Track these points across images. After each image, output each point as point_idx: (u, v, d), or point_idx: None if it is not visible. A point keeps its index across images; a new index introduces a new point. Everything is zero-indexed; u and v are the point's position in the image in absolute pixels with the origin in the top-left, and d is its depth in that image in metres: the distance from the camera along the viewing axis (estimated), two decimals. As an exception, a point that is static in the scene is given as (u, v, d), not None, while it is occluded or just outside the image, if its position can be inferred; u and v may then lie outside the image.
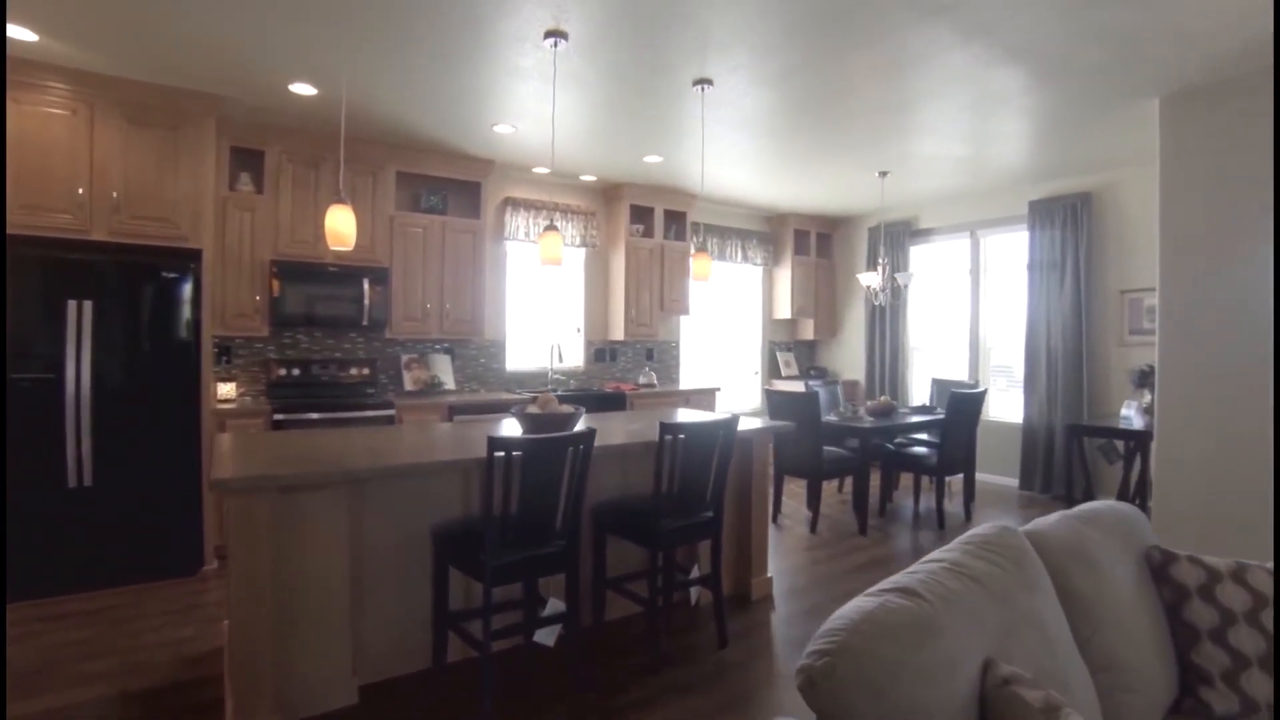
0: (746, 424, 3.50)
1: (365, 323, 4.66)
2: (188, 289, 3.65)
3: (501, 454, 2.21)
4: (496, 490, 2.24)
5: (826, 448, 4.82)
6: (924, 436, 5.56)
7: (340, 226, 2.52)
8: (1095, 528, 1.59)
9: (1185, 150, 3.78)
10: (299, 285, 4.41)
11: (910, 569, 1.28)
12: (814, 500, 4.73)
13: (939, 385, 6.09)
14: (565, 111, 4.11)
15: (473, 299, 5.22)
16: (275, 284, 4.31)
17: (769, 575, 3.58)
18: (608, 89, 3.74)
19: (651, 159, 5.17)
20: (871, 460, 4.77)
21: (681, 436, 2.67)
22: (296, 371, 4.66)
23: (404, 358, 5.21)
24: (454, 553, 2.44)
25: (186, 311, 3.66)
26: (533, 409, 3.07)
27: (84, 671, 2.66)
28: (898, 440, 5.49)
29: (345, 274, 4.58)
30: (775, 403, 4.90)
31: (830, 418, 4.90)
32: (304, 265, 4.44)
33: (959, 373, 6.66)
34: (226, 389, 4.34)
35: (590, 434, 2.38)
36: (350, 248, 2.57)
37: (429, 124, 4.38)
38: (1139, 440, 4.11)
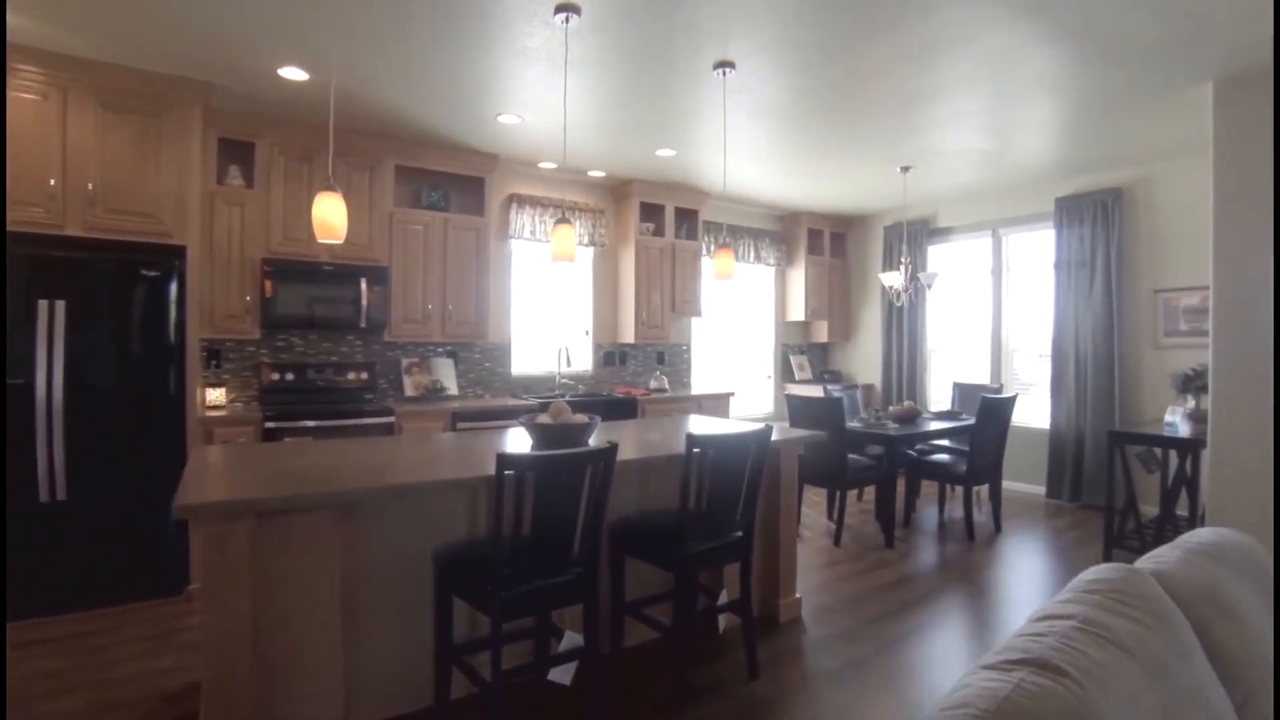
0: (774, 433, 3.25)
1: (363, 325, 4.41)
2: (172, 289, 3.40)
3: (512, 473, 1.95)
4: (506, 513, 1.99)
5: (850, 456, 4.56)
6: (947, 443, 5.31)
7: (329, 216, 2.26)
8: (1223, 565, 1.34)
9: (1242, 138, 3.52)
10: (293, 285, 4.16)
11: (1033, 630, 1.02)
12: (839, 511, 4.47)
13: (961, 389, 5.83)
14: (575, 100, 3.87)
15: (476, 300, 4.97)
16: (267, 284, 4.06)
17: (797, 595, 3.32)
18: (621, 73, 3.50)
19: (664, 153, 4.92)
20: (897, 469, 4.51)
21: (711, 450, 2.42)
22: (290, 376, 4.40)
23: (404, 361, 4.95)
24: (459, 581, 2.18)
25: (170, 312, 3.41)
26: (544, 418, 2.82)
27: (49, 711, 2.40)
28: (919, 447, 5.24)
29: (342, 273, 4.33)
30: (796, 408, 4.64)
31: (854, 424, 4.65)
32: (298, 264, 4.19)
33: (980, 376, 6.40)
34: (216, 395, 4.08)
35: (611, 451, 2.12)
36: (341, 240, 2.31)
37: (429, 114, 4.13)
38: (1189, 449, 3.85)
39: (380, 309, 4.48)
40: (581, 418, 2.84)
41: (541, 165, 5.33)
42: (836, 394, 5.47)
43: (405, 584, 2.34)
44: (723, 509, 2.54)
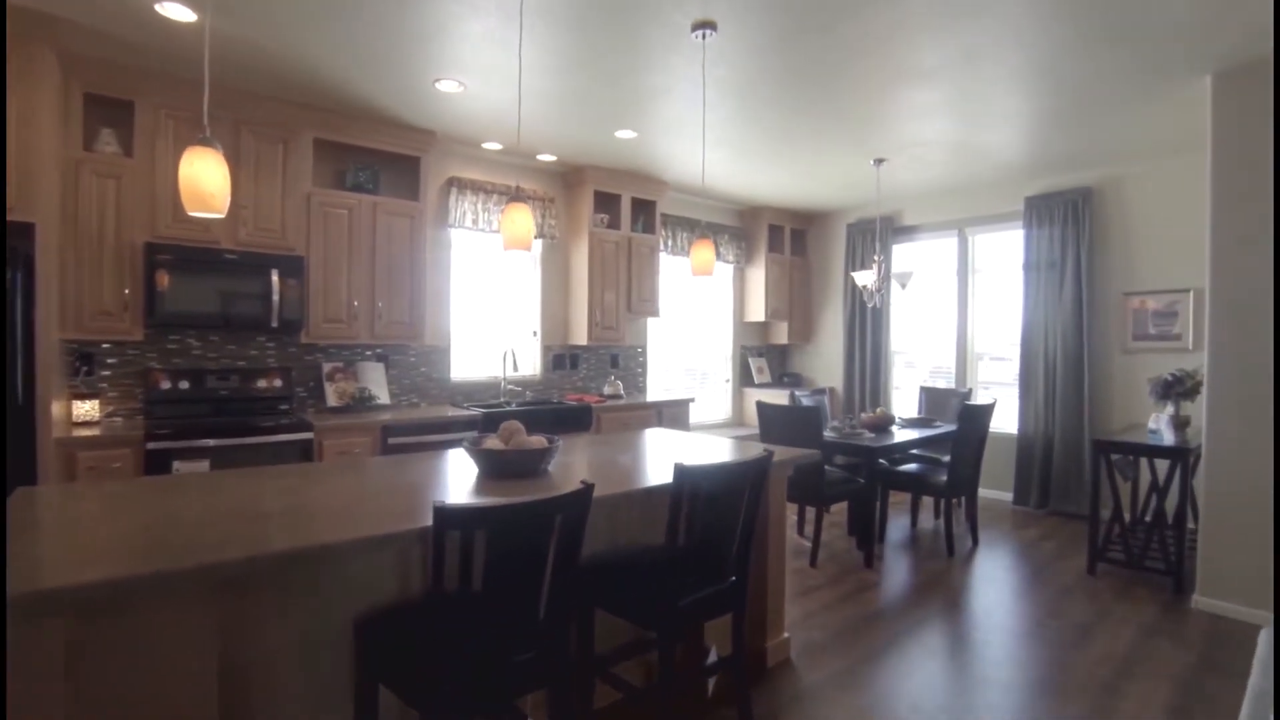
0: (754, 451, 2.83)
1: (274, 324, 3.76)
2: (15, 277, 2.71)
3: (457, 533, 1.45)
4: (448, 580, 1.48)
5: (825, 468, 4.21)
6: (917, 451, 5.04)
7: (203, 180, 1.66)
8: None
9: (1242, 133, 3.32)
10: (187, 276, 3.49)
11: None
12: (815, 530, 4.11)
13: (929, 394, 5.59)
14: (528, 65, 3.35)
15: (411, 297, 4.38)
16: (153, 274, 3.38)
17: (785, 635, 2.92)
18: (586, 31, 3.01)
19: (625, 134, 4.45)
20: (878, 483, 4.18)
21: (704, 483, 1.96)
22: (185, 384, 3.72)
23: (326, 366, 4.32)
24: (386, 665, 1.66)
25: (15, 306, 2.72)
26: (493, 443, 2.32)
27: None
28: (892, 456, 4.95)
29: (248, 263, 3.68)
30: (768, 418, 4.26)
31: (829, 435, 4.30)
32: (192, 251, 3.51)
33: (945, 380, 6.20)
34: (87, 408, 3.38)
35: (585, 495, 1.64)
36: (219, 213, 1.72)
37: (354, 76, 3.53)
38: (1179, 458, 3.66)
39: (296, 305, 3.84)
40: (539, 440, 2.35)
41: (486, 146, 4.77)
42: (806, 400, 5.13)
43: (314, 666, 1.79)
44: (715, 551, 2.09)
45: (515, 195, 2.31)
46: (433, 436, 4.12)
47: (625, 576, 2.15)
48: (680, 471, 1.92)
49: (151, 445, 3.16)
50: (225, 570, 1.35)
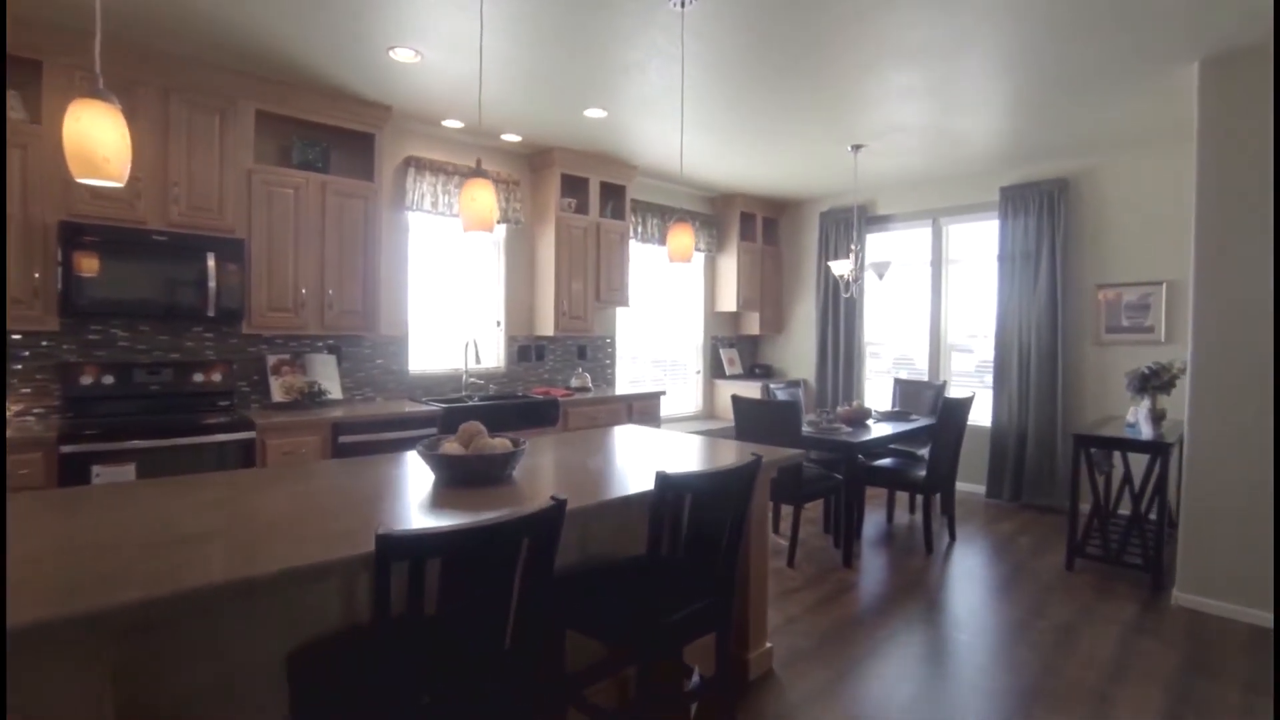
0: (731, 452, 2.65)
1: (212, 313, 3.44)
2: (-99, 259, 2.36)
3: (407, 563, 1.23)
4: (396, 612, 1.26)
5: (803, 464, 4.07)
6: (895, 446, 4.95)
7: (93, 140, 1.34)
8: None
9: (1230, 122, 3.24)
10: (109, 260, 3.15)
11: None
12: (792, 528, 3.97)
13: (903, 386, 5.51)
14: (491, 34, 3.09)
15: (364, 284, 4.08)
16: (70, 257, 3.04)
17: (768, 645, 2.75)
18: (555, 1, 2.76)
19: (594, 113, 4.20)
20: (859, 479, 4.05)
21: (689, 493, 1.77)
22: (110, 379, 3.38)
23: (271, 359, 4.00)
24: (324, 707, 1.43)
25: (-97, 294, 2.38)
26: (450, 446, 2.09)
27: None
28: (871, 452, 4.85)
29: (180, 245, 3.35)
30: (744, 413, 4.09)
31: (807, 430, 4.15)
32: (116, 231, 3.17)
33: (918, 373, 6.13)
34: (-5, 406, 3.03)
35: (555, 514, 1.43)
36: (117, 181, 1.41)
37: (298, 40, 3.22)
38: (1159, 452, 3.60)
39: (235, 293, 3.52)
40: (503, 443, 2.13)
41: (446, 124, 4.48)
42: (780, 393, 4.99)
43: (240, 715, 1.55)
44: (701, 565, 1.90)
45: (476, 171, 2.07)
46: (389, 434, 3.85)
47: (601, 594, 1.95)
48: (663, 481, 1.72)
49: (67, 448, 2.83)
50: (118, 617, 1.10)
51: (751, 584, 2.65)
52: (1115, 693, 2.56)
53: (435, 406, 4.11)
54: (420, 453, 2.06)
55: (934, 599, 3.47)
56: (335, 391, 4.18)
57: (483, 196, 2.02)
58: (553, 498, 1.43)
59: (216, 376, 3.72)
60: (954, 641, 2.98)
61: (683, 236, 2.73)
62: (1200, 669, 2.75)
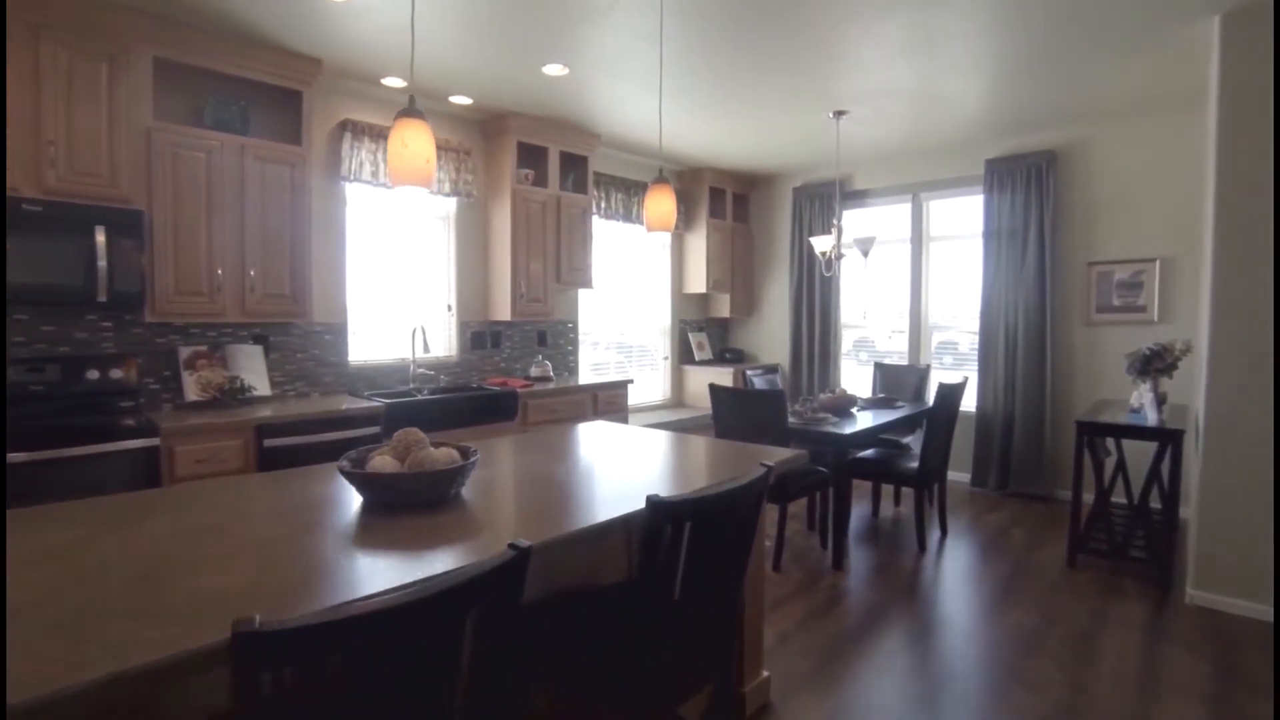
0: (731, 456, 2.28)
1: (103, 298, 2.91)
2: None
3: (290, 664, 0.81)
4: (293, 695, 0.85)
5: (789, 460, 3.73)
6: (882, 436, 4.66)
7: None
8: None
9: (1254, 80, 2.97)
10: (-34, 234, 2.59)
11: None
12: (779, 529, 3.63)
13: (884, 371, 5.22)
14: (431, -36, 2.61)
15: (292, 263, 3.57)
16: (-89, 230, 2.48)
17: (765, 674, 2.40)
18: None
19: (553, 70, 3.74)
20: (849, 475, 3.72)
21: (689, 519, 1.38)
22: (-22, 378, 2.82)
23: (184, 352, 3.47)
24: None
25: None
26: (382, 460, 1.66)
27: None
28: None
29: (58, 217, 2.80)
30: (724, 402, 3.73)
31: (791, 420, 3.81)
32: (-27, 199, 2.62)
33: (898, 356, 5.86)
34: None
35: (517, 566, 1.02)
36: None
37: (199, -28, 2.69)
38: (1168, 441, 3.36)
39: (133, 274, 2.99)
40: (447, 454, 1.71)
41: (386, 82, 3.96)
42: (758, 381, 4.64)
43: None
44: (700, 604, 1.52)
45: (408, 111, 1.62)
46: (324, 436, 3.38)
47: (578, 640, 1.55)
48: (657, 510, 1.32)
49: (-93, 465, 2.30)
50: None
51: (747, 609, 2.29)
52: (1156, 714, 2.28)
53: (378, 402, 3.64)
54: (344, 470, 1.62)
55: (935, 605, 3.17)
56: (262, 387, 3.67)
57: (416, 142, 1.58)
58: (512, 545, 1.02)
59: (117, 373, 3.19)
60: (966, 657, 2.68)
61: (663, 200, 2.32)
62: (1236, 679, 2.50)
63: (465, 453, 1.83)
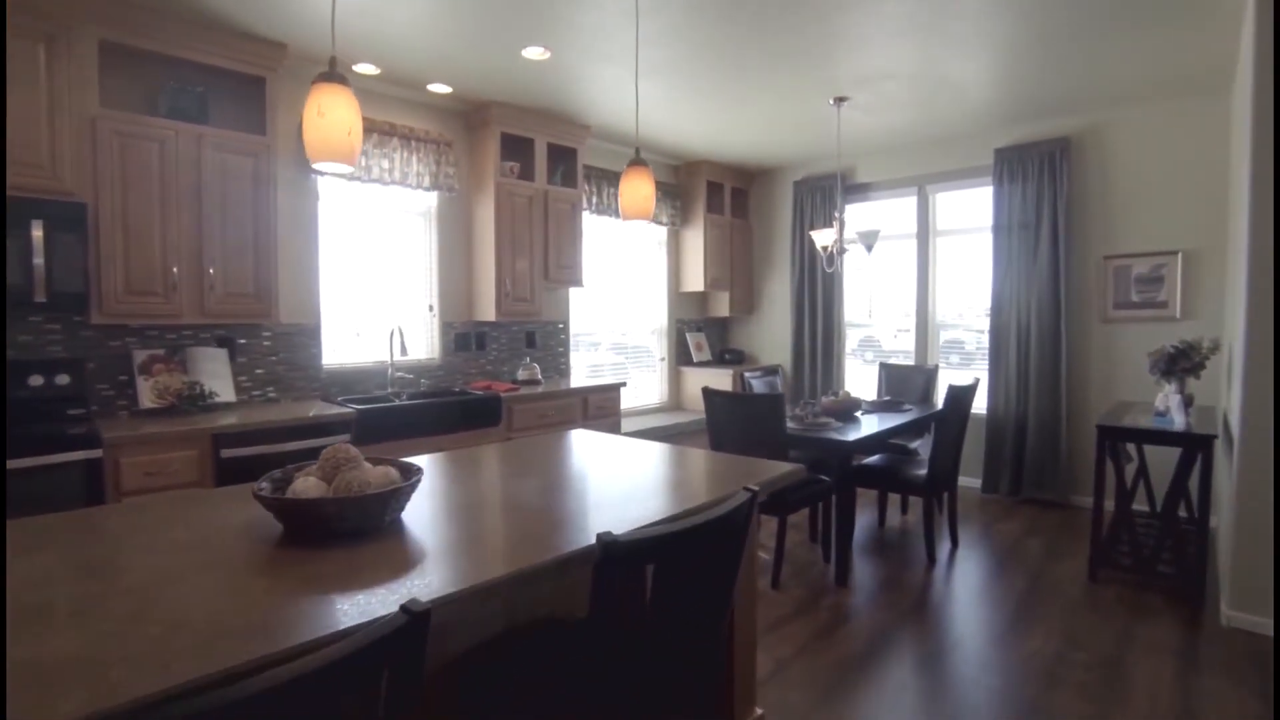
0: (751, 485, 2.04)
1: (42, 298, 2.68)
2: None
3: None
4: None
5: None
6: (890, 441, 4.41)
7: None
8: None
9: (1294, 51, 2.71)
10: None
11: None
12: (778, 543, 3.39)
13: (889, 371, 4.97)
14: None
15: (256, 260, 3.35)
16: None
17: (759, 712, 2.16)
18: None
19: (533, 53, 3.51)
20: (852, 484, 3.47)
21: (652, 558, 1.14)
22: (-95, 385, 2.60)
23: (140, 356, 3.24)
24: None
25: None
26: (304, 482, 1.43)
27: None
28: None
29: (-10, 210, 2.57)
30: (719, 408, 3.49)
31: (791, 425, 3.56)
32: (-109, 191, 2.39)
33: (903, 356, 5.61)
34: None
35: (410, 634, 0.78)
36: None
37: (137, -59, 2.46)
38: (1198, 447, 3.11)
39: (76, 272, 2.76)
40: (383, 474, 1.47)
41: (359, 69, 3.74)
42: (757, 383, 4.40)
43: None
44: (673, 651, 1.28)
45: (328, 75, 1.38)
46: (288, 445, 3.15)
47: (533, 690, 1.31)
48: (609, 551, 1.08)
49: None
50: None
51: (737, 639, 2.04)
52: (1197, 760, 2.03)
53: (349, 408, 3.41)
54: (258, 494, 1.39)
55: (947, 627, 2.92)
56: (226, 393, 3.44)
57: (336, 110, 1.34)
58: (405, 608, 0.78)
59: (63, 379, 2.96)
60: (983, 688, 2.43)
61: (640, 185, 2.07)
62: (1282, 715, 2.24)
63: (407, 471, 1.59)
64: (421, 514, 1.57)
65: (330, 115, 1.34)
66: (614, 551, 1.05)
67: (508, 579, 1.18)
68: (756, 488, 1.31)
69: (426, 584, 1.14)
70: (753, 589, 2.08)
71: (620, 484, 1.84)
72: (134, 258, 2.98)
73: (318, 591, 1.11)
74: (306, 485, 1.44)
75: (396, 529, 1.45)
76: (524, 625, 1.62)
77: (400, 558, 1.27)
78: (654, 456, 2.20)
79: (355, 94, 1.54)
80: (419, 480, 1.52)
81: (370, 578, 1.17)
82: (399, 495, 1.43)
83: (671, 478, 1.92)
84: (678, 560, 1.16)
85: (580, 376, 5.34)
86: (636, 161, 2.12)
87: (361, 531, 1.41)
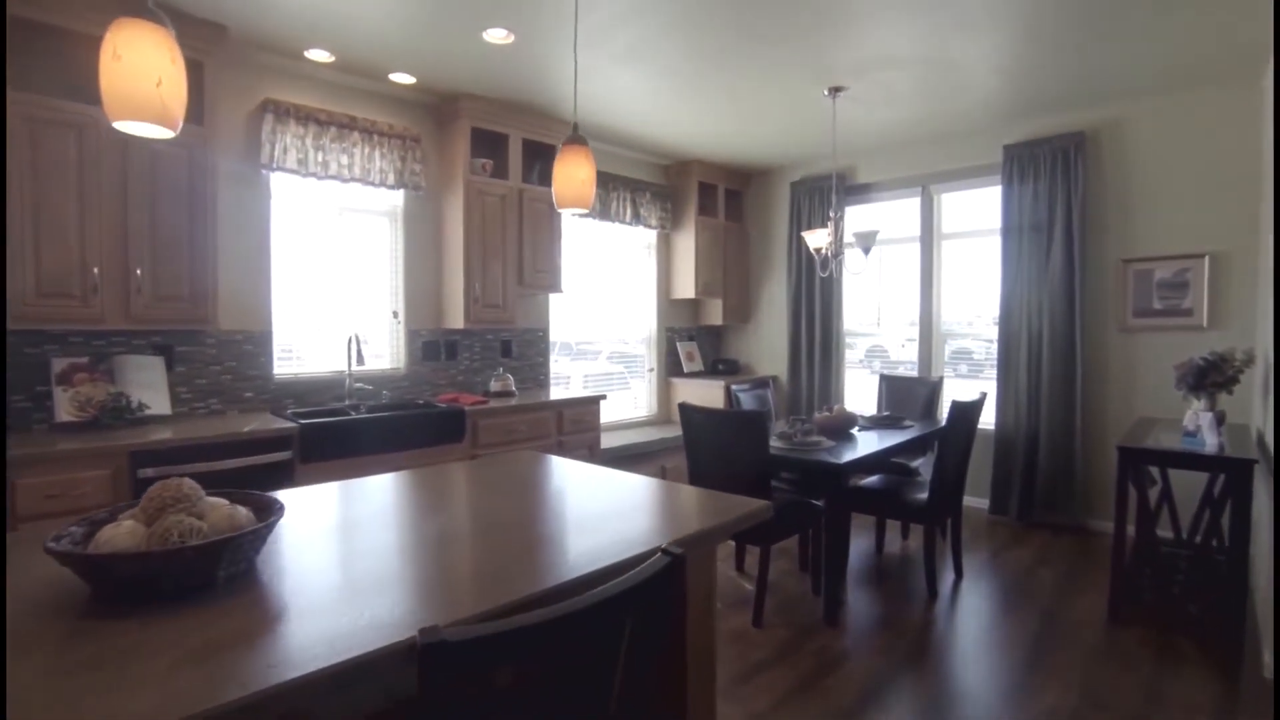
0: (665, 541, 1.72)
1: (-69, 300, 2.40)
2: None
3: None
4: None
5: (773, 485, 3.16)
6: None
7: None
8: None
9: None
10: None
11: None
12: (760, 575, 3.05)
13: (890, 383, 4.63)
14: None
15: (193, 260, 3.06)
16: None
17: (720, 791, 1.83)
18: None
19: (496, 35, 3.22)
20: (846, 511, 3.13)
21: (507, 670, 0.82)
22: None
23: (59, 364, 2.96)
24: None
25: None
26: (116, 530, 1.12)
27: None
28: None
29: None
30: (695, 425, 3.16)
31: (776, 444, 3.23)
32: None
33: (908, 367, 5.27)
34: None
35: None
36: None
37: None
38: (1238, 472, 2.75)
39: (-28, 271, 2.48)
40: (222, 516, 1.16)
41: (311, 55, 3.46)
42: (745, 397, 4.07)
43: None
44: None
45: (142, 9, 1.08)
46: (218, 464, 2.85)
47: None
48: (433, 655, 0.76)
49: None
50: None
51: (692, 705, 1.71)
52: None
53: (291, 423, 3.11)
54: (49, 548, 1.08)
55: (950, 676, 2.58)
56: (160, 405, 3.15)
57: (133, 52, 1.04)
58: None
59: (-32, 389, 2.68)
60: (988, 756, 2.09)
61: (576, 166, 1.75)
62: (1345, 797, 1.89)
63: (266, 510, 1.28)
64: (285, 563, 1.25)
65: (127, 59, 1.03)
66: (440, 656, 0.73)
67: (275, 691, 0.86)
68: (676, 552, 0.99)
69: (250, 672, 0.82)
70: (709, 650, 1.75)
71: (524, 534, 1.52)
72: (46, 257, 2.70)
73: (113, 688, 0.79)
74: (117, 533, 1.13)
75: (242, 585, 1.14)
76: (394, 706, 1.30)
77: (219, 635, 0.96)
78: (598, 488, 1.88)
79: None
80: (274, 523, 1.21)
81: (174, 661, 0.86)
82: (236, 546, 1.12)
83: (593, 524, 1.60)
84: (550, 660, 0.84)
85: (572, 387, 5.04)
86: (573, 139, 1.81)
87: (193, 590, 1.10)
